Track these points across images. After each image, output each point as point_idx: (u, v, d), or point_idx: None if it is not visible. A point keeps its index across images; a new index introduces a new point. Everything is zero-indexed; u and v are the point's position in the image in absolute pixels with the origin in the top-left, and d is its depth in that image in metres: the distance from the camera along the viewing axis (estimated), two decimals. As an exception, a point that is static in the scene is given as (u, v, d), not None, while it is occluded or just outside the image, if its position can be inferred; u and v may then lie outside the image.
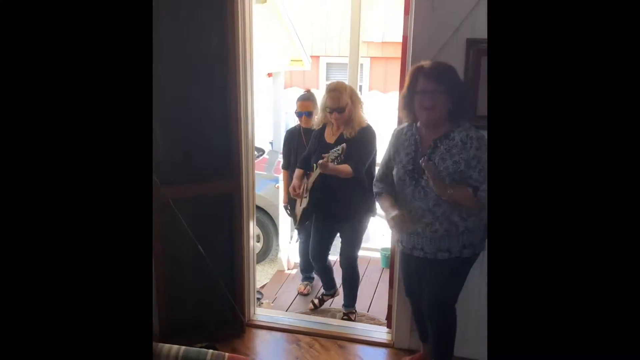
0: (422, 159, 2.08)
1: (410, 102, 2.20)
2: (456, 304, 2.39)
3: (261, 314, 3.23)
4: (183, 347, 1.72)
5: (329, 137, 3.11)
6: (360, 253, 3.33)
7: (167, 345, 1.72)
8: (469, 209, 2.15)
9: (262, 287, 4.07)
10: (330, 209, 3.15)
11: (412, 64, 2.51)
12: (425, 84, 2.13)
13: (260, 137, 5.30)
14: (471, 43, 2.43)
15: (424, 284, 2.36)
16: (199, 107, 2.63)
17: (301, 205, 3.28)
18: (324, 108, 3.08)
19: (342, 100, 2.98)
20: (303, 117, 3.53)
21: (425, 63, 2.19)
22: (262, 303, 3.60)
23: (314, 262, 3.45)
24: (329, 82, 3.30)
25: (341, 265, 3.35)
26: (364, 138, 3.01)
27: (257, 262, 4.15)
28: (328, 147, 2.93)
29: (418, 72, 2.16)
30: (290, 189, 3.24)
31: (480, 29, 2.42)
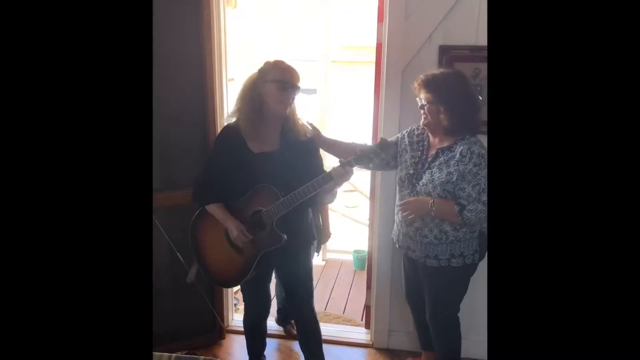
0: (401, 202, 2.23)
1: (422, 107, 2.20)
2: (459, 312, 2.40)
3: (240, 319, 3.22)
4: (174, 355, 1.72)
5: (256, 144, 2.20)
6: (332, 256, 3.27)
7: (157, 354, 1.72)
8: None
9: (236, 292, 4.05)
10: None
11: (387, 71, 2.59)
12: (422, 92, 2.17)
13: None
14: (443, 50, 2.52)
15: (424, 290, 2.40)
16: (173, 115, 2.62)
17: (240, 253, 2.29)
18: (271, 84, 2.11)
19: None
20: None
21: (437, 72, 2.18)
22: (238, 309, 3.59)
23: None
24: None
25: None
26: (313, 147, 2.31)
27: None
28: (258, 161, 2.18)
29: (430, 80, 2.16)
30: (241, 235, 2.19)
31: (452, 36, 2.51)
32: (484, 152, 2.11)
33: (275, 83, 2.10)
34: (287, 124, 2.21)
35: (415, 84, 2.19)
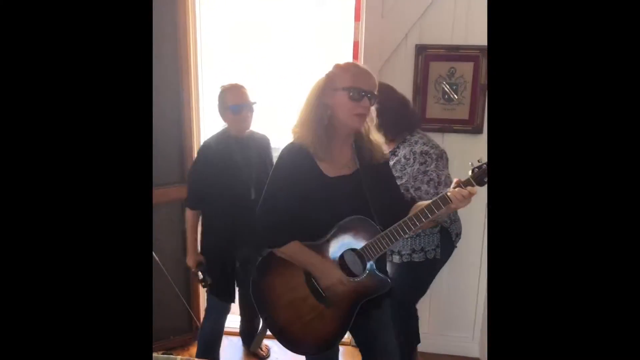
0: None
1: None
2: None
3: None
4: (153, 354, 1.70)
5: (329, 166, 1.72)
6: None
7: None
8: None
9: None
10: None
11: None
12: None
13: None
14: (420, 49, 2.55)
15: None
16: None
17: (327, 305, 1.76)
18: (340, 92, 1.66)
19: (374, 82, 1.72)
20: (243, 114, 2.31)
21: None
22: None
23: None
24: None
25: None
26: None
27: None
28: (334, 186, 1.72)
29: None
30: (340, 285, 1.71)
31: (427, 35, 2.54)
32: (427, 147, 2.15)
33: (347, 91, 1.63)
34: (361, 140, 1.74)
35: None
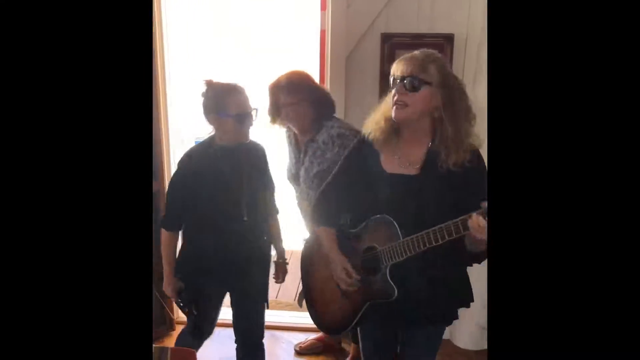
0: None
1: (278, 114, 2.26)
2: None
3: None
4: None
5: (390, 161, 1.63)
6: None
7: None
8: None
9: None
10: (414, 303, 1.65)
11: (331, 58, 2.62)
12: (287, 97, 2.20)
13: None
14: (385, 37, 2.58)
15: None
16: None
17: (343, 294, 1.75)
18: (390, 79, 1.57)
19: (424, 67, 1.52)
20: (247, 123, 1.96)
21: (282, 78, 2.24)
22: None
23: None
24: None
25: None
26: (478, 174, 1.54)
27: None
28: (389, 183, 1.61)
29: (277, 87, 2.23)
30: (343, 274, 1.68)
31: (393, 23, 2.57)
32: (343, 130, 2.20)
33: (390, 79, 1.55)
34: (439, 143, 1.53)
35: (281, 94, 2.22)
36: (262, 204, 2.08)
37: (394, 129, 1.58)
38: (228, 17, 4.19)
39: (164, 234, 2.05)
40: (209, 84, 1.94)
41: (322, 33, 2.70)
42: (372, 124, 1.62)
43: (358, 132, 2.09)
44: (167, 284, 2.10)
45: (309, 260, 1.92)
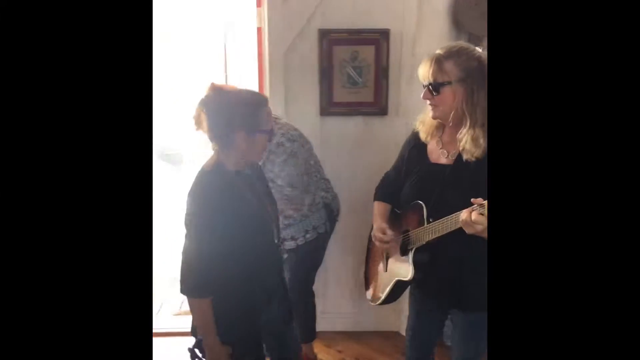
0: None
1: None
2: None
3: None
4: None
5: (435, 152, 1.74)
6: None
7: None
8: (300, 200, 2.31)
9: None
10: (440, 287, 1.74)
11: (269, 55, 2.58)
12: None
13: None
14: (323, 33, 2.57)
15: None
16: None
17: (386, 269, 1.89)
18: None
19: (445, 69, 1.57)
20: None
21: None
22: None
23: None
24: None
25: None
26: None
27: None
28: (430, 172, 1.72)
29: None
30: (378, 232, 1.79)
31: (330, 19, 2.56)
32: (283, 139, 2.19)
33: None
34: (466, 131, 1.59)
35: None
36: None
37: (437, 124, 1.71)
38: (158, 16, 4.06)
39: (195, 303, 1.59)
40: (233, 92, 1.56)
41: (259, 31, 2.66)
42: (421, 119, 1.76)
43: (293, 141, 2.10)
44: (218, 357, 1.63)
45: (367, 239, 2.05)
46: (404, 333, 2.90)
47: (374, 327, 3.00)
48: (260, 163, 1.80)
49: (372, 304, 1.97)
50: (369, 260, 2.05)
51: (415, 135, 1.80)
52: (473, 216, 1.41)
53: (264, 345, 1.82)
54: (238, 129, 1.51)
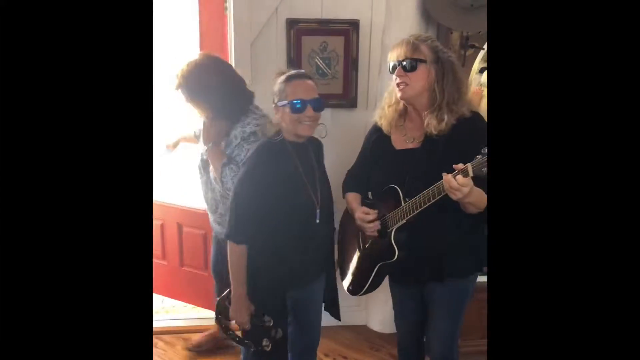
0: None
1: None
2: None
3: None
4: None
5: (399, 140, 1.82)
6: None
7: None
8: None
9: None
10: (418, 262, 1.80)
11: (235, 45, 2.51)
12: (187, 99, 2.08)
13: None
14: (291, 23, 2.51)
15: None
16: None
17: (364, 256, 1.93)
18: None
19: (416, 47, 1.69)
20: (308, 109, 1.74)
21: (182, 73, 2.05)
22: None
23: (399, 351, 2.14)
24: None
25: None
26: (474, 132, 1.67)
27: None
28: (398, 158, 1.80)
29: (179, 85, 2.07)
30: (362, 215, 1.84)
31: (297, 8, 2.51)
32: (257, 129, 2.07)
33: (391, 65, 1.72)
34: (433, 108, 1.69)
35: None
36: (329, 205, 1.93)
37: (399, 114, 1.79)
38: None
39: (233, 248, 1.77)
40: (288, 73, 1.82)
41: (224, 18, 2.58)
42: (380, 112, 1.84)
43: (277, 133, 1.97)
44: (240, 309, 1.80)
45: (341, 229, 2.07)
46: (372, 326, 2.94)
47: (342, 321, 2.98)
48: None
49: (353, 295, 1.98)
50: (343, 250, 2.06)
51: (376, 128, 1.86)
52: (459, 180, 1.46)
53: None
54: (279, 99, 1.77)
